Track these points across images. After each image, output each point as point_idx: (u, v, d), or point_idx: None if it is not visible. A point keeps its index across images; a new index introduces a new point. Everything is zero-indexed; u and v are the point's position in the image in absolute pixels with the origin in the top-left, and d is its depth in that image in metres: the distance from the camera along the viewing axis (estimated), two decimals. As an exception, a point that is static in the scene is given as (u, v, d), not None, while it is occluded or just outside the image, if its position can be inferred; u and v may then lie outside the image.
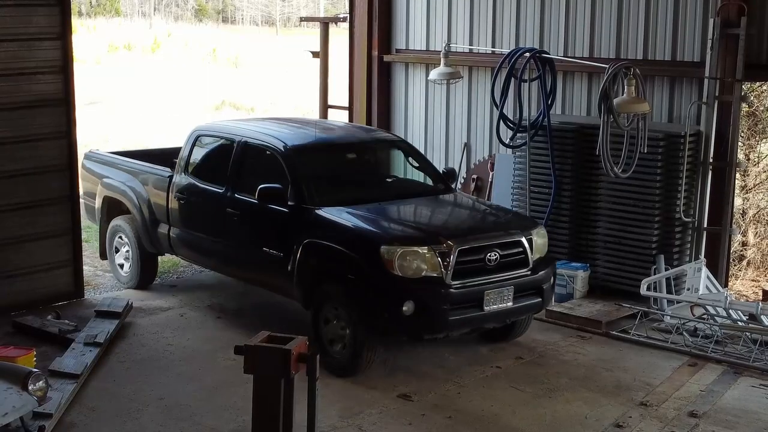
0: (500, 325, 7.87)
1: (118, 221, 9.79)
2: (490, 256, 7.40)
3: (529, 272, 7.65)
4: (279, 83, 29.32)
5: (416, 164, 9.17)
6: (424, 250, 7.17)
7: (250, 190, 8.05)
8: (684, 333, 8.39)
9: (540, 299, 7.83)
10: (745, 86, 10.10)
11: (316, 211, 7.75)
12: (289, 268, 7.73)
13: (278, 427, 4.98)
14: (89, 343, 7.74)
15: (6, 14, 8.52)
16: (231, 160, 8.58)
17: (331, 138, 9.16)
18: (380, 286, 7.16)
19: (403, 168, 9.49)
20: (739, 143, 10.94)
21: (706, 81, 9.17)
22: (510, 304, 7.49)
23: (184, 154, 9.14)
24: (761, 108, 14.07)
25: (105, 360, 7.72)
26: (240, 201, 8.35)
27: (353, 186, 8.63)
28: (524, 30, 10.73)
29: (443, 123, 11.73)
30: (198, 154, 9.12)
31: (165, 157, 9.75)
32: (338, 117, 12.88)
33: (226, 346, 7.61)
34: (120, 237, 9.81)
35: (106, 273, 10.50)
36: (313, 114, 17.10)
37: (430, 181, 9.04)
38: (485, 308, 7.34)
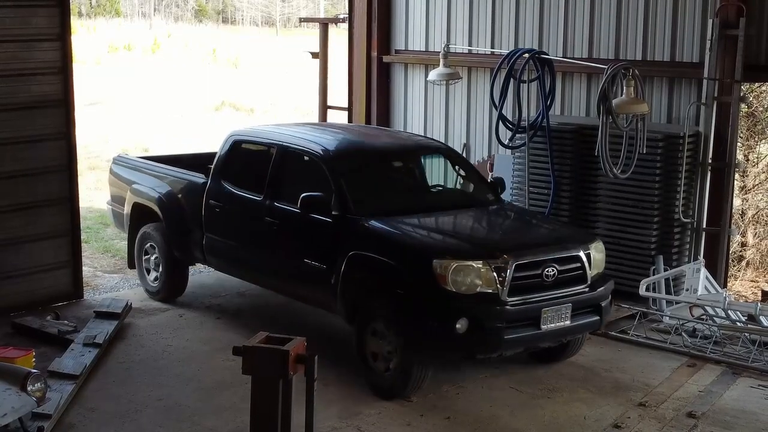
0: (555, 344, 7.54)
1: (147, 229, 9.37)
2: (547, 271, 7.00)
3: (587, 289, 7.25)
4: (279, 84, 29.32)
5: (462, 173, 8.89)
6: (479, 264, 6.77)
7: (290, 199, 7.76)
8: (683, 333, 8.39)
9: (598, 317, 7.41)
10: (744, 87, 10.11)
11: (362, 221, 7.40)
12: (332, 281, 7.37)
13: (276, 428, 4.98)
14: (88, 344, 7.74)
15: (5, 15, 8.52)
16: (270, 166, 8.22)
17: (375, 144, 8.84)
18: (432, 302, 6.77)
19: (447, 176, 9.24)
20: (738, 144, 10.94)
21: (705, 82, 9.17)
22: (568, 322, 7.10)
23: (219, 159, 8.78)
24: (760, 109, 14.10)
25: (104, 361, 7.72)
26: (279, 209, 7.99)
27: (400, 195, 8.31)
28: (523, 31, 10.74)
29: (442, 124, 11.73)
30: (234, 160, 8.71)
31: (196, 162, 9.49)
32: (338, 118, 12.89)
33: (225, 347, 7.59)
34: (150, 245, 9.39)
35: (105, 274, 10.51)
36: (313, 115, 17.11)
37: (473, 190, 8.68)
38: (542, 327, 6.94)
